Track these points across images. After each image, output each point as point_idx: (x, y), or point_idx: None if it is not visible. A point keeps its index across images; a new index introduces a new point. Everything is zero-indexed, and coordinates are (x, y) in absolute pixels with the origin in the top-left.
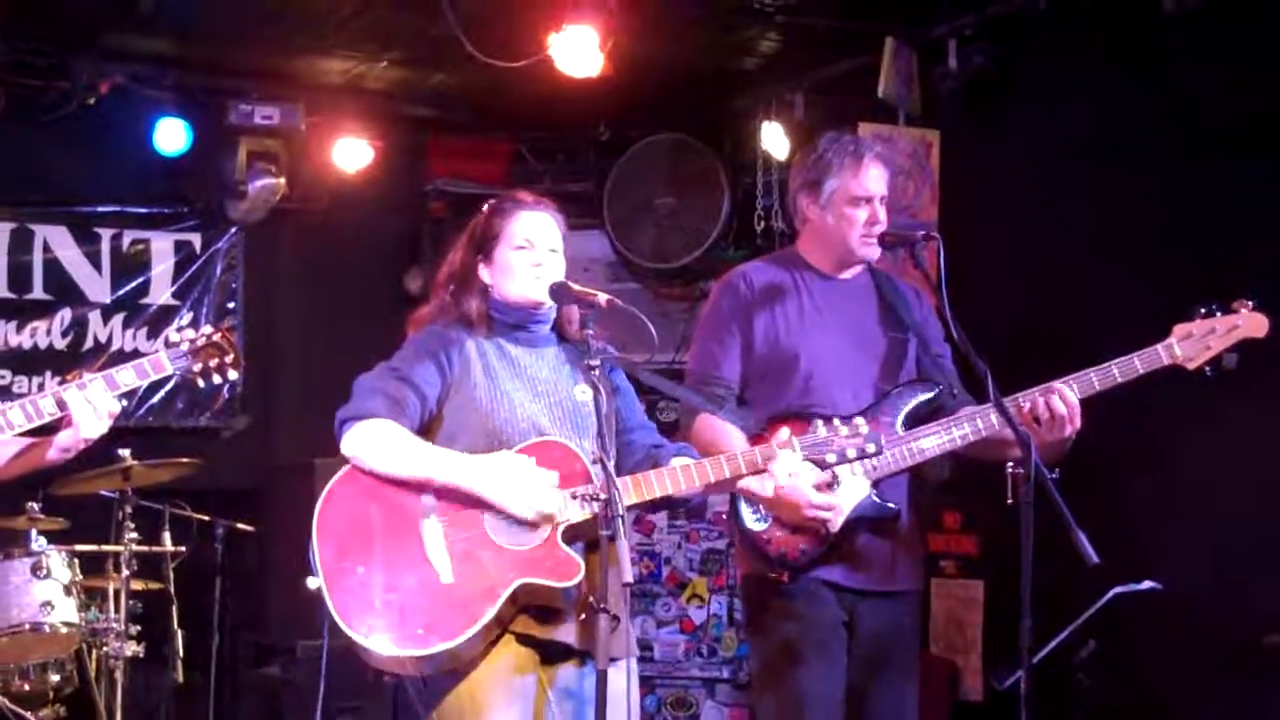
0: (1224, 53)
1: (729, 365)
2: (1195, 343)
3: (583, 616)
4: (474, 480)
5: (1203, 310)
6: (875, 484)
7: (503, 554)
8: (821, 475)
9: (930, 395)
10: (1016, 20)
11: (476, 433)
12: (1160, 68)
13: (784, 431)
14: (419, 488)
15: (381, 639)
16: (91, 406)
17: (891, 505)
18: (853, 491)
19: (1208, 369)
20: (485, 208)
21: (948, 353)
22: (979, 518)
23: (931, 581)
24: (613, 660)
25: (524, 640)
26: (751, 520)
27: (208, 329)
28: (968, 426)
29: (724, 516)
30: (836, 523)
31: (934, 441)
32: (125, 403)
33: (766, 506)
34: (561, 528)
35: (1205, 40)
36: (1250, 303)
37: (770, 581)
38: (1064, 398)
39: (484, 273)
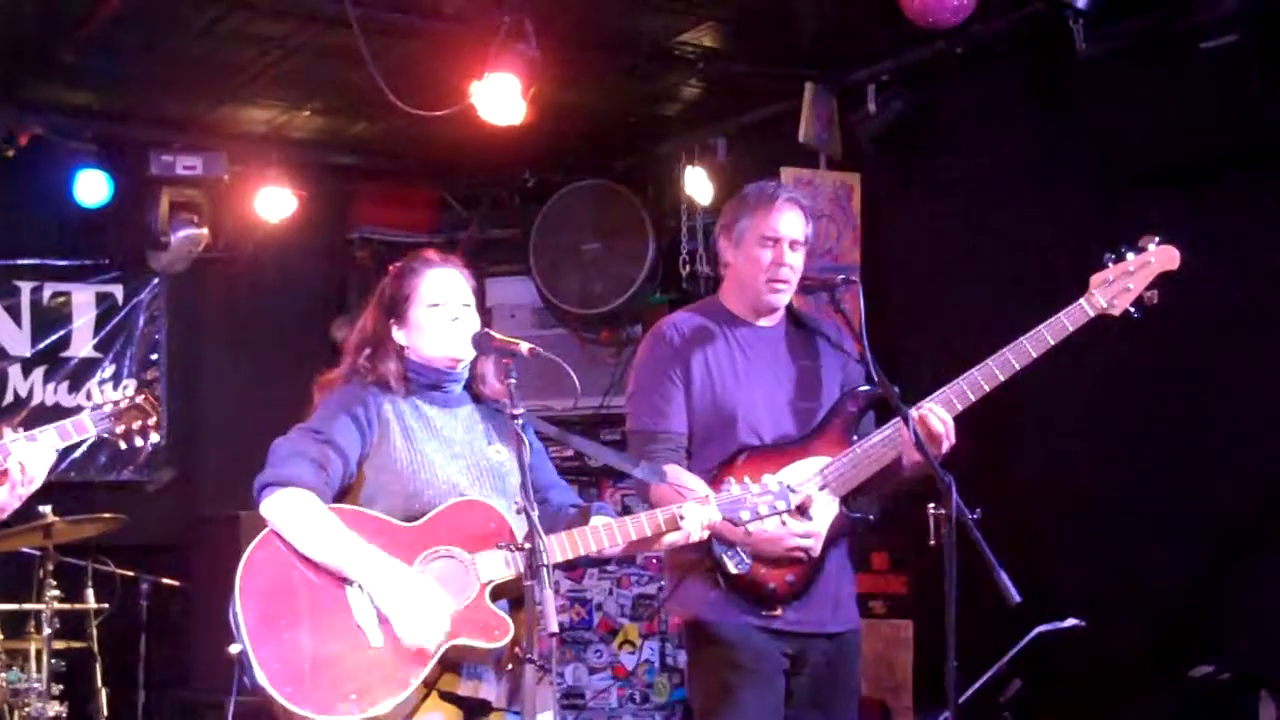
0: (1137, 94)
1: (676, 418)
2: (1114, 288)
3: (509, 667)
4: (374, 588)
5: (1112, 256)
6: (844, 499)
7: None
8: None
9: (867, 391)
10: (933, 65)
11: (396, 494)
12: (1075, 110)
13: (700, 491)
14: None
15: (312, 705)
16: (29, 464)
17: (861, 515)
18: (825, 511)
19: (1133, 311)
20: (391, 270)
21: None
22: (907, 558)
23: (861, 622)
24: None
25: (447, 697)
26: (734, 566)
27: (130, 390)
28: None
29: (655, 561)
30: (818, 547)
31: (878, 440)
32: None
33: (746, 548)
34: (490, 586)
35: (1118, 82)
36: (1156, 238)
37: (714, 627)
38: (939, 416)
39: (398, 334)
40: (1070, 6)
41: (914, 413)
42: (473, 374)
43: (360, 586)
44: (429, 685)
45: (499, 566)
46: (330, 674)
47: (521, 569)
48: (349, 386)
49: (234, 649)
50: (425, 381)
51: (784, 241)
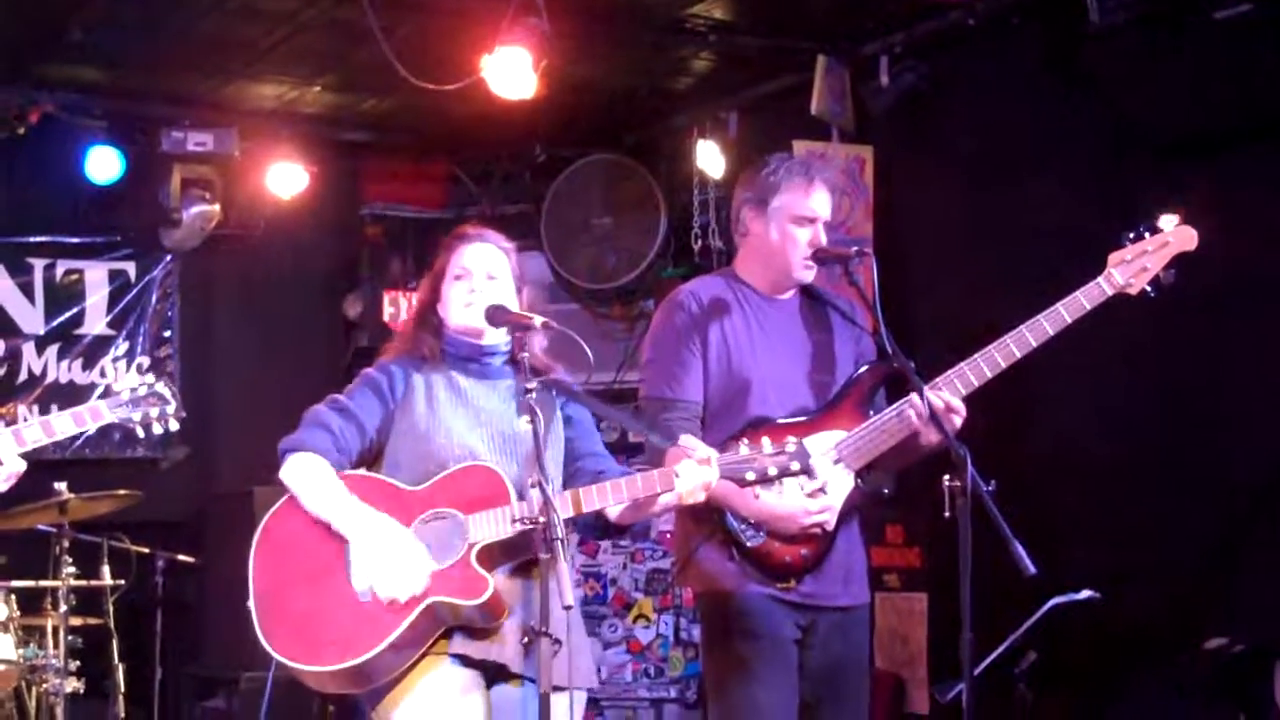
0: (1150, 65)
1: (692, 386)
2: (1132, 267)
3: (525, 640)
4: (356, 540)
5: (1131, 235)
6: (859, 473)
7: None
8: (812, 484)
9: (883, 365)
10: (946, 37)
11: (414, 459)
12: (1088, 81)
13: (703, 451)
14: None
15: (293, 654)
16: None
17: (876, 488)
18: (841, 486)
19: (1149, 290)
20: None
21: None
22: (921, 531)
23: (875, 595)
24: (560, 689)
25: (464, 661)
26: (748, 541)
27: (150, 378)
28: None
29: (669, 536)
30: (833, 521)
31: (893, 414)
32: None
33: (762, 523)
34: (477, 548)
35: (1132, 53)
36: (1175, 217)
37: (728, 598)
38: (941, 398)
39: (440, 309)
40: None
41: (915, 398)
42: (515, 347)
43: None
44: (424, 640)
45: (489, 528)
46: (317, 625)
47: (511, 529)
48: (386, 359)
49: (251, 604)
50: (460, 353)
51: (819, 221)
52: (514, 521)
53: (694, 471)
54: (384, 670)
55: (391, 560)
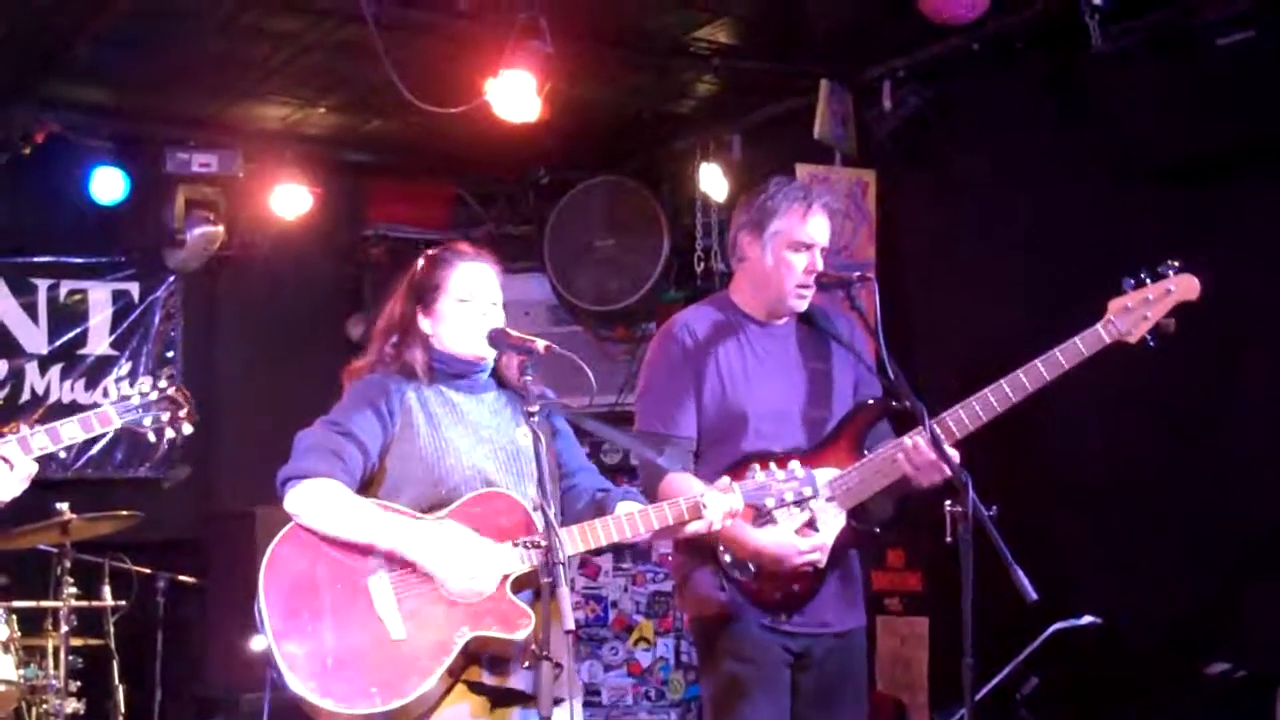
0: (1152, 91)
1: (685, 422)
2: (1132, 315)
3: (526, 664)
4: (416, 551)
5: (1133, 281)
6: (852, 512)
7: (453, 607)
8: (801, 519)
9: (881, 402)
10: (949, 61)
11: (422, 482)
12: (1090, 105)
13: (724, 479)
14: (365, 544)
15: (335, 698)
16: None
17: (867, 529)
18: (832, 524)
19: (1149, 339)
20: (423, 259)
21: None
22: (923, 555)
23: (877, 619)
24: (557, 702)
25: (475, 688)
26: (738, 574)
27: (163, 383)
28: (914, 438)
29: (669, 558)
30: (824, 559)
31: (887, 455)
32: (64, 455)
33: (756, 564)
34: (511, 578)
35: (1134, 78)
36: (1177, 264)
37: (720, 623)
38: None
39: (424, 323)
40: (1086, 2)
41: (907, 440)
42: (498, 361)
43: (386, 570)
44: (454, 676)
45: (519, 560)
46: (353, 667)
47: (538, 565)
48: (373, 376)
49: (257, 644)
50: (451, 371)
51: (816, 248)
52: (516, 545)
53: (720, 500)
54: (419, 708)
55: (464, 557)
